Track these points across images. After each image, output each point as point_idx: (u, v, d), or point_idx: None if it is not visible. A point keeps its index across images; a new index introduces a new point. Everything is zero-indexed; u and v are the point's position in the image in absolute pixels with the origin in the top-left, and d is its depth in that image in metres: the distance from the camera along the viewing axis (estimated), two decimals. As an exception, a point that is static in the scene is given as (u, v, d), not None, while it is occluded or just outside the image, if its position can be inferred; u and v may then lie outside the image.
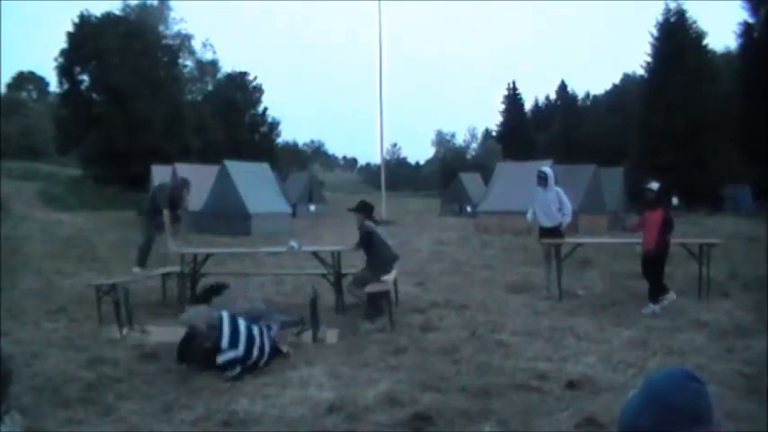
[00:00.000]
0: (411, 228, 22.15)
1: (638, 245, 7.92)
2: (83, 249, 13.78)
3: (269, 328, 5.40)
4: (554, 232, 8.81)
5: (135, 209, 22.20)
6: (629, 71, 57.44)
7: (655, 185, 7.73)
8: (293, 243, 8.03)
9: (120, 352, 5.41)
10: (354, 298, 7.20)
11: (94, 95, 38.55)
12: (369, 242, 7.27)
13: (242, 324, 5.08)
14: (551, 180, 9.02)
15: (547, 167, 9.71)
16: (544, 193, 8.95)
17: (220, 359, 4.85)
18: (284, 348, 5.32)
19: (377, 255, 7.26)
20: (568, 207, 8.99)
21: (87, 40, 36.78)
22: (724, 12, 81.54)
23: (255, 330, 5.10)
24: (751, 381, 4.50)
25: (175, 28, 46.22)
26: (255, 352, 4.95)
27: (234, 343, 4.90)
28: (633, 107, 42.89)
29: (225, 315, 5.13)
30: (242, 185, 22.38)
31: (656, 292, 7.49)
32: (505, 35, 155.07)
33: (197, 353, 5.00)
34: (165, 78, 39.16)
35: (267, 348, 5.05)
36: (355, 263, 8.46)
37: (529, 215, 9.26)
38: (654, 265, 7.54)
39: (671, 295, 7.51)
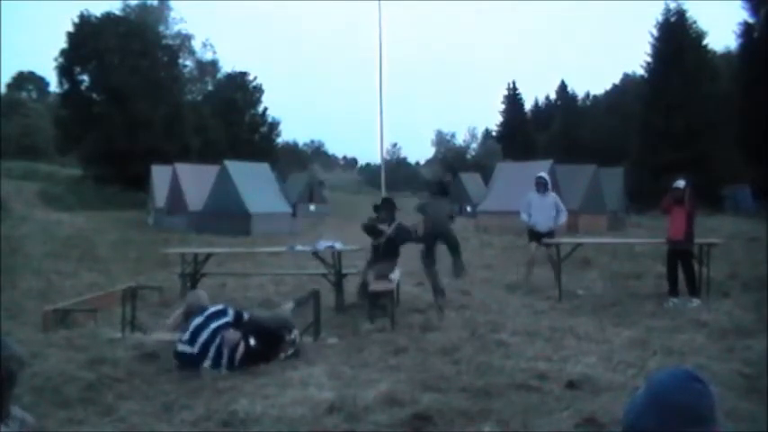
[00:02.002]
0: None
1: (638, 244, 7.94)
2: (83, 249, 13.77)
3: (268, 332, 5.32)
4: (548, 236, 9.03)
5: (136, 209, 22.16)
6: (629, 71, 57.62)
7: (681, 183, 7.85)
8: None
9: (120, 352, 5.40)
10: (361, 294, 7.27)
11: (94, 95, 38.63)
12: (405, 242, 7.48)
13: (211, 326, 5.07)
14: (549, 185, 9.38)
15: (545, 173, 9.93)
16: (542, 199, 9.20)
17: (177, 348, 5.04)
18: (282, 355, 5.27)
19: (397, 257, 7.49)
20: (564, 210, 9.41)
21: (87, 40, 36.84)
22: (724, 12, 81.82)
23: (216, 336, 5.06)
24: (751, 381, 4.49)
25: (175, 28, 46.37)
26: (212, 351, 5.00)
27: (192, 341, 5.02)
28: (633, 107, 42.94)
29: (201, 314, 5.14)
30: (242, 185, 22.39)
31: (695, 284, 7.61)
32: (505, 35, 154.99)
33: None
34: (165, 78, 39.21)
35: (225, 351, 5.01)
36: (356, 263, 8.46)
37: (524, 216, 9.35)
38: (685, 258, 7.67)
39: (677, 300, 7.59)
